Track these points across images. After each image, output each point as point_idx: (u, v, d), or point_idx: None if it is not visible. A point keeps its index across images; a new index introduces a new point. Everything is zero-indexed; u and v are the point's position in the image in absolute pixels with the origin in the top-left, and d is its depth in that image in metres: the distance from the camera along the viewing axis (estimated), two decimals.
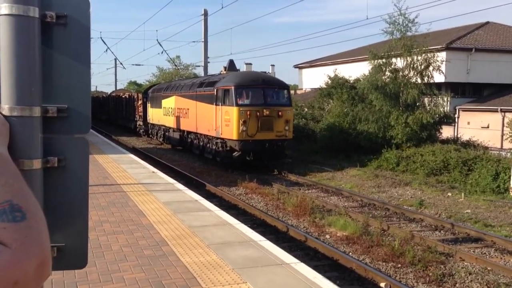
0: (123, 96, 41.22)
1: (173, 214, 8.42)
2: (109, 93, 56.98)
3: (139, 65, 75.56)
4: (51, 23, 1.20)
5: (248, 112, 18.01)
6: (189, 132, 23.29)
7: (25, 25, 1.13)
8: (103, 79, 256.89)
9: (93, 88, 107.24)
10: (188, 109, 22.82)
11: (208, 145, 20.97)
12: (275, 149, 18.52)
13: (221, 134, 18.86)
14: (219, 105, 19.06)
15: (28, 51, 1.14)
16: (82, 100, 1.26)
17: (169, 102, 26.11)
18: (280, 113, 18.46)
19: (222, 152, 19.31)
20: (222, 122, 18.72)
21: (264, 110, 18.23)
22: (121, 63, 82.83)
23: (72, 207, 1.27)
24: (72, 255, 1.28)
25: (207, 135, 20.73)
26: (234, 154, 18.47)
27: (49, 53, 1.20)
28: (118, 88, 68.95)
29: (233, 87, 18.44)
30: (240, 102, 18.27)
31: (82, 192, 1.28)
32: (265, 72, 23.73)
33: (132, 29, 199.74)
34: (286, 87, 20.12)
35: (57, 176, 1.24)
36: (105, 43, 52.64)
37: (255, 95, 18.63)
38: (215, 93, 19.38)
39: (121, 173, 12.99)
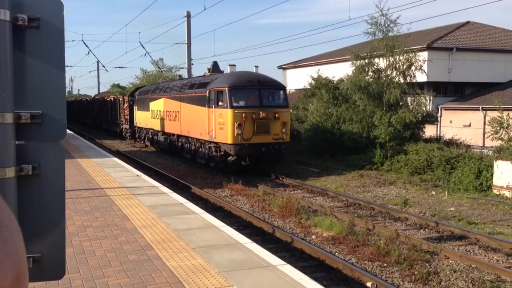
0: (108, 99, 40.46)
1: (158, 218, 8.35)
2: (93, 96, 56.40)
3: (122, 67, 75.10)
4: (23, 26, 1.15)
5: (243, 115, 17.16)
6: (179, 136, 22.42)
7: None
8: (85, 82, 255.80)
9: (76, 91, 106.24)
10: (178, 111, 21.91)
11: (200, 149, 20.11)
12: (272, 153, 17.74)
13: (215, 138, 17.98)
14: (212, 107, 18.15)
15: None
16: (57, 105, 1.21)
17: (158, 105, 25.18)
18: (277, 115, 17.62)
19: (216, 157, 18.50)
20: (216, 125, 17.83)
21: (260, 112, 17.36)
22: (103, 66, 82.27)
23: (48, 216, 1.22)
24: (48, 266, 1.23)
25: (199, 139, 19.88)
26: (229, 159, 17.71)
27: (21, 57, 1.16)
28: (101, 91, 68.35)
29: (227, 89, 17.56)
30: (234, 104, 17.41)
31: (58, 201, 1.24)
32: None
33: (114, 32, 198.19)
34: (282, 87, 19.29)
35: (32, 184, 1.20)
36: (86, 45, 52.59)
37: (250, 96, 17.83)
38: (208, 95, 18.50)
39: (104, 177, 12.85)
